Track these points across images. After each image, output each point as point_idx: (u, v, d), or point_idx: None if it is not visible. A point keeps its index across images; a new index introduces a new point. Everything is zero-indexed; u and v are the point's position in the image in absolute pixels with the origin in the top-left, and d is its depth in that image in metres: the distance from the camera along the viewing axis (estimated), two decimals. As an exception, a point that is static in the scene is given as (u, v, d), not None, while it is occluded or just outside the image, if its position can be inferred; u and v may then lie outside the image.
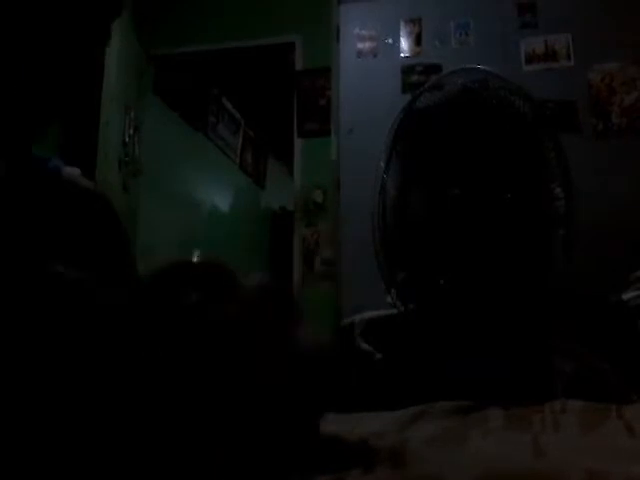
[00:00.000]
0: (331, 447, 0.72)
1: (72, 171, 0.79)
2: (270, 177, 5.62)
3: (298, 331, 0.64)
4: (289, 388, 0.61)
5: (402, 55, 3.28)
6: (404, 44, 3.29)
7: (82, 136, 2.91)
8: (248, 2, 3.55)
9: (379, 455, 0.68)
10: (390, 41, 3.31)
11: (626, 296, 1.61)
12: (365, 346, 1.52)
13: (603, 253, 2.55)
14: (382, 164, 1.51)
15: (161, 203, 3.64)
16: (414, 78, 3.19)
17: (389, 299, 1.51)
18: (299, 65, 3.40)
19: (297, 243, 3.20)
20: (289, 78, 3.44)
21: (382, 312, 1.70)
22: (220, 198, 4.67)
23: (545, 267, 1.32)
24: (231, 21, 3.54)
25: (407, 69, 3.23)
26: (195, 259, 0.66)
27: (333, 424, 0.82)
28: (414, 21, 3.30)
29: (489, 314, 1.26)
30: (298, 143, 3.32)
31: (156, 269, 0.61)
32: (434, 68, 3.12)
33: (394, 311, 1.50)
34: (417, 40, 3.27)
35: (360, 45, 3.35)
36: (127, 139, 3.32)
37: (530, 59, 3.07)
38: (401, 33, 3.30)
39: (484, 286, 1.29)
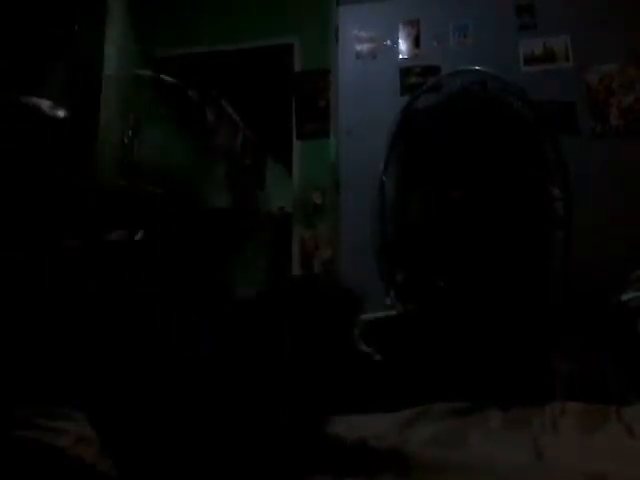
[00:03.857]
0: (332, 449, 0.72)
1: None
2: (269, 179, 5.61)
3: None
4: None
5: (401, 57, 3.28)
6: (403, 46, 3.29)
7: (82, 138, 2.91)
8: (247, 4, 3.55)
9: (380, 459, 0.68)
10: (389, 43, 3.31)
11: (626, 297, 1.61)
12: (365, 347, 1.52)
13: (602, 254, 2.55)
14: (381, 165, 1.51)
15: (160, 205, 3.63)
16: (413, 80, 3.19)
17: (388, 300, 1.51)
18: (298, 67, 3.40)
19: (296, 245, 3.19)
20: (288, 80, 3.44)
21: (381, 313, 1.70)
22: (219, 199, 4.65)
23: (545, 268, 1.31)
24: (230, 23, 3.54)
25: (406, 70, 3.23)
26: None
27: (334, 425, 0.82)
28: (413, 23, 3.30)
29: (488, 315, 1.26)
30: (297, 145, 3.32)
31: None
32: (433, 70, 3.12)
33: (393, 312, 1.50)
34: (416, 42, 3.27)
35: (359, 47, 3.35)
36: (126, 141, 3.31)
37: (529, 60, 3.07)
38: (400, 35, 3.30)
39: (483, 287, 1.29)
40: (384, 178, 1.49)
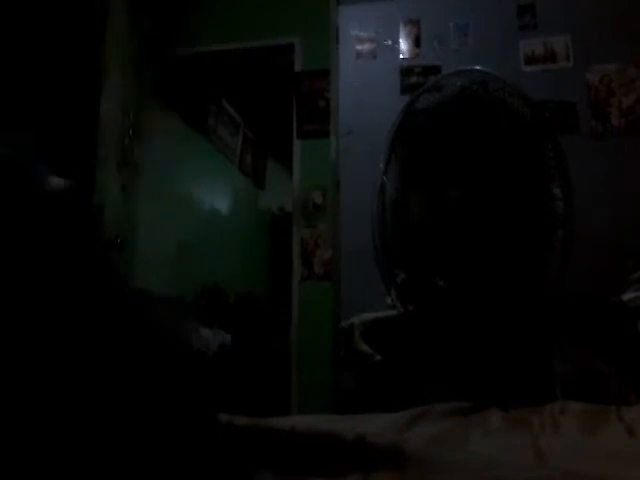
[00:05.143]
0: (331, 448, 0.72)
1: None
2: (269, 178, 5.62)
3: None
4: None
5: (401, 56, 3.28)
6: (403, 45, 3.29)
7: (81, 138, 2.91)
8: (247, 4, 3.55)
9: (380, 458, 0.68)
10: (389, 42, 3.31)
11: (626, 297, 1.61)
12: (365, 347, 1.52)
13: (603, 254, 2.55)
14: (381, 165, 1.51)
15: (160, 205, 3.64)
16: (413, 79, 3.19)
17: (389, 300, 1.51)
18: (298, 66, 3.39)
19: (296, 244, 3.19)
20: (288, 79, 3.44)
21: (382, 313, 1.70)
22: (219, 199, 4.67)
23: (545, 268, 1.31)
24: (230, 23, 3.54)
25: (406, 70, 3.23)
26: None
27: (333, 424, 0.82)
28: (413, 22, 3.30)
29: (489, 316, 1.26)
30: (297, 144, 3.32)
31: None
32: (433, 69, 3.12)
33: (394, 312, 1.50)
34: (416, 41, 3.27)
35: (359, 46, 3.35)
36: (127, 141, 3.31)
37: (529, 60, 3.07)
38: (400, 34, 3.30)
39: (483, 287, 1.29)
40: (384, 178, 1.49)
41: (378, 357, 1.48)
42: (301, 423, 0.79)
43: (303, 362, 2.99)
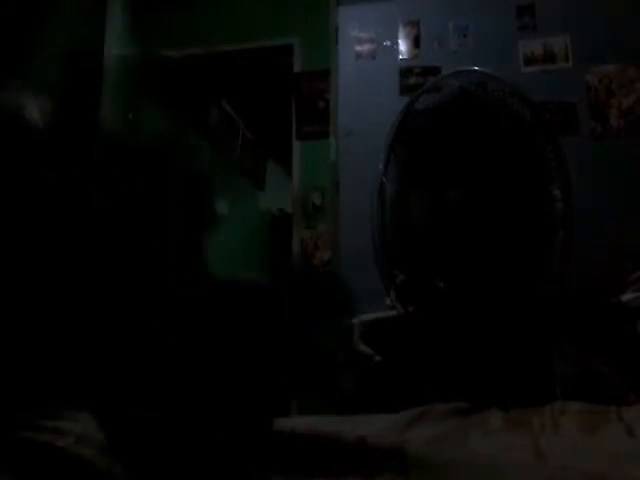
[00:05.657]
0: (330, 449, 0.72)
1: None
2: (269, 179, 5.62)
3: None
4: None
5: (400, 57, 3.28)
6: (403, 46, 3.29)
7: (81, 138, 2.91)
8: (247, 4, 3.56)
9: (380, 458, 0.68)
10: (389, 43, 3.31)
11: (625, 298, 1.61)
12: (364, 348, 1.52)
13: (602, 255, 2.55)
14: (381, 166, 1.51)
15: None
16: (412, 80, 3.19)
17: (388, 301, 1.51)
18: (298, 67, 3.40)
19: (296, 245, 3.19)
20: (288, 80, 3.44)
21: (381, 314, 1.70)
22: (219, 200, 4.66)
23: (544, 269, 1.31)
24: (230, 23, 3.54)
25: (405, 71, 3.23)
26: None
27: (334, 426, 0.82)
28: (412, 23, 3.30)
29: (489, 316, 1.26)
30: (297, 145, 3.32)
31: None
32: (433, 70, 3.12)
33: (393, 313, 1.50)
34: (415, 42, 3.27)
35: (359, 47, 3.35)
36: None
37: (528, 61, 3.07)
38: (399, 35, 3.30)
39: (483, 288, 1.29)
40: (384, 179, 1.49)
41: (378, 358, 1.49)
42: (301, 424, 0.79)
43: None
